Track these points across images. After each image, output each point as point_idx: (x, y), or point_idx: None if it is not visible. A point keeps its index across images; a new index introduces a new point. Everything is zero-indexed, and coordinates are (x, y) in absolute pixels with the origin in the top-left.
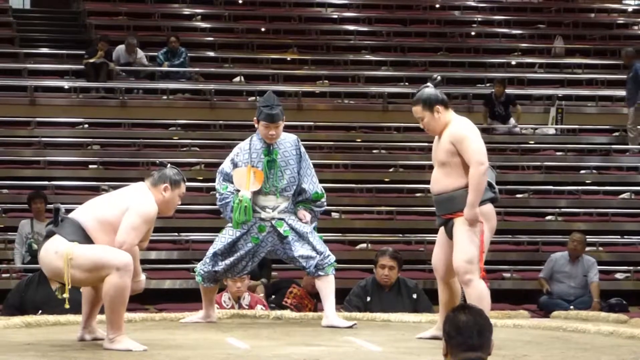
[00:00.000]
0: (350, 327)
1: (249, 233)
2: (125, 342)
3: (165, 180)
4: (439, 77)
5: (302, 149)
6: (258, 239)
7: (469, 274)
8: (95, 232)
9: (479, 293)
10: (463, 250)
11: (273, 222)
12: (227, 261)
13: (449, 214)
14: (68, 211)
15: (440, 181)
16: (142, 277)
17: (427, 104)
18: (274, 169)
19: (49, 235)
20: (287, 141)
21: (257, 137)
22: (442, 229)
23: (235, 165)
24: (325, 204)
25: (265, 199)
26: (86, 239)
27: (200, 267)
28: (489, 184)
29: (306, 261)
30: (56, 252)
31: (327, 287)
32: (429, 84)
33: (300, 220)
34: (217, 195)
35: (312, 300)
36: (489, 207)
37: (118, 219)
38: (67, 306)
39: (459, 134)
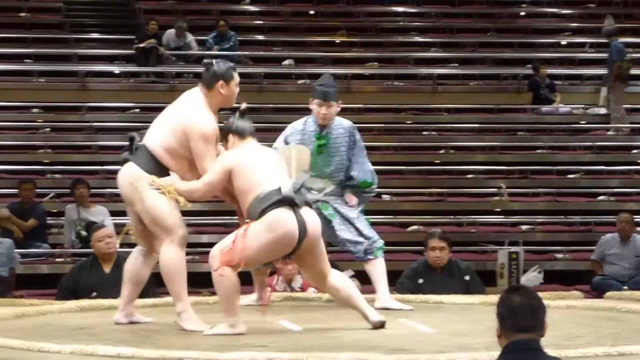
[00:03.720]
0: (406, 310)
1: None
2: (190, 322)
3: (218, 78)
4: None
5: (357, 136)
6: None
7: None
8: (165, 160)
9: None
10: None
11: (318, 204)
12: None
13: None
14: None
15: None
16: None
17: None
18: (324, 153)
19: (125, 162)
20: (341, 127)
21: (312, 119)
22: None
23: (287, 144)
24: (374, 190)
25: (312, 181)
26: (159, 166)
27: None
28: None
29: (354, 246)
30: (131, 184)
31: (378, 270)
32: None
33: (347, 203)
34: None
35: None
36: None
37: (181, 143)
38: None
39: None
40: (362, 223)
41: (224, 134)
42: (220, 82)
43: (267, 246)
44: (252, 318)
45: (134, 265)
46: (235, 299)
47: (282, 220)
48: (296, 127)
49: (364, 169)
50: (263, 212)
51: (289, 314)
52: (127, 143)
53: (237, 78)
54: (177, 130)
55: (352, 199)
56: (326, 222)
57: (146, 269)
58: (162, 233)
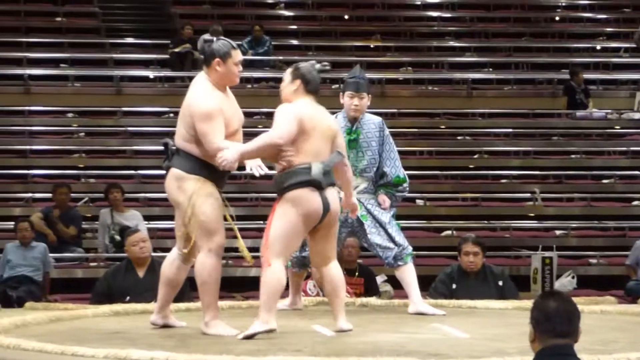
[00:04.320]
0: (439, 315)
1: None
2: (217, 327)
3: (214, 56)
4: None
5: (387, 132)
6: (340, 220)
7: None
8: (194, 151)
9: None
10: None
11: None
12: None
13: None
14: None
15: None
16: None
17: None
18: (355, 148)
19: (167, 169)
20: (372, 122)
21: (342, 115)
22: None
23: None
24: (407, 189)
25: None
26: (194, 160)
27: None
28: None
29: (383, 251)
30: (179, 187)
31: (409, 275)
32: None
33: (380, 205)
34: None
35: None
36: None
37: (193, 128)
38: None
39: None
40: (394, 228)
41: (296, 74)
42: (217, 59)
43: (292, 223)
44: (286, 322)
45: (170, 268)
46: (274, 298)
47: (305, 199)
48: None
49: (396, 165)
50: (287, 189)
51: (322, 319)
52: (163, 149)
53: (236, 57)
54: (186, 117)
55: (386, 201)
56: (359, 223)
57: (183, 272)
58: (201, 238)
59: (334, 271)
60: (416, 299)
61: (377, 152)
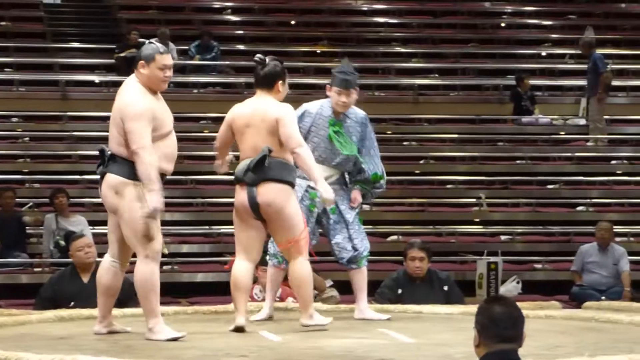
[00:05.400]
0: (384, 319)
1: (303, 202)
2: (163, 332)
3: (139, 58)
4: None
5: (369, 127)
6: (314, 207)
7: None
8: (128, 155)
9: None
10: None
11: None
12: None
13: None
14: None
15: None
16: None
17: None
18: (334, 140)
19: (102, 175)
20: (356, 116)
21: (328, 104)
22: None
23: (300, 126)
24: (384, 185)
25: (319, 168)
26: (130, 165)
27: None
28: None
29: (340, 251)
30: (117, 193)
31: (360, 279)
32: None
33: (351, 202)
34: None
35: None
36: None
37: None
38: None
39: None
40: (356, 229)
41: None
42: (141, 62)
43: (234, 218)
44: (231, 328)
45: (107, 276)
46: (235, 296)
47: (235, 195)
48: (311, 109)
49: (375, 162)
50: None
51: (269, 324)
52: (98, 155)
53: (160, 61)
54: (117, 120)
55: (357, 199)
56: (325, 216)
57: (120, 278)
58: (139, 246)
59: (295, 267)
60: (362, 306)
61: (358, 145)
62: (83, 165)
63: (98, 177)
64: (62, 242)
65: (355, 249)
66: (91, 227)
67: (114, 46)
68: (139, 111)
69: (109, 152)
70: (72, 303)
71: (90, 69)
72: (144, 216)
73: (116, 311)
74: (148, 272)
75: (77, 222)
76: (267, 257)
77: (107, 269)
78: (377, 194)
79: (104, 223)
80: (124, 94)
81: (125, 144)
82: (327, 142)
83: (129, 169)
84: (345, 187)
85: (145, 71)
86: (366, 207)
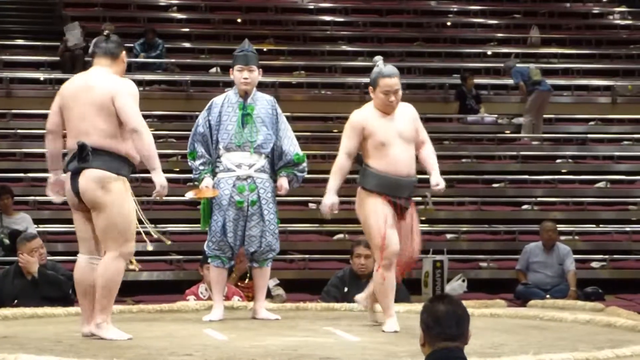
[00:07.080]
0: (272, 319)
1: (231, 204)
2: (110, 331)
3: (122, 48)
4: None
5: (279, 110)
6: (242, 202)
7: None
8: (117, 147)
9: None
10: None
11: (249, 181)
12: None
13: (409, 198)
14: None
15: (412, 162)
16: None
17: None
18: (249, 124)
19: (77, 172)
20: (264, 99)
21: (233, 92)
22: (392, 213)
23: (208, 123)
24: (306, 167)
25: (240, 156)
26: (116, 159)
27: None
28: None
29: (249, 244)
30: (102, 187)
31: (261, 279)
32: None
33: (277, 189)
34: (190, 163)
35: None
36: None
37: (116, 117)
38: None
39: (415, 112)
40: (272, 226)
41: None
42: (124, 51)
43: None
44: (177, 327)
45: (86, 275)
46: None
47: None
48: (217, 101)
49: (294, 143)
50: None
51: (215, 323)
52: (79, 150)
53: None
54: (107, 107)
55: (283, 186)
56: (249, 205)
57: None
58: (114, 243)
59: (103, 266)
60: (257, 306)
61: (272, 129)
62: (27, 163)
63: (44, 175)
64: (7, 241)
65: (265, 244)
66: (35, 225)
67: (59, 43)
68: (135, 91)
69: (90, 147)
70: (16, 301)
71: (35, 66)
72: (155, 196)
73: (60, 310)
74: (116, 271)
75: (22, 220)
76: (209, 260)
77: (88, 268)
78: (302, 177)
79: (48, 221)
80: (113, 78)
81: (114, 135)
82: (241, 127)
83: (116, 163)
84: (271, 177)
85: (125, 59)
86: (312, 205)
